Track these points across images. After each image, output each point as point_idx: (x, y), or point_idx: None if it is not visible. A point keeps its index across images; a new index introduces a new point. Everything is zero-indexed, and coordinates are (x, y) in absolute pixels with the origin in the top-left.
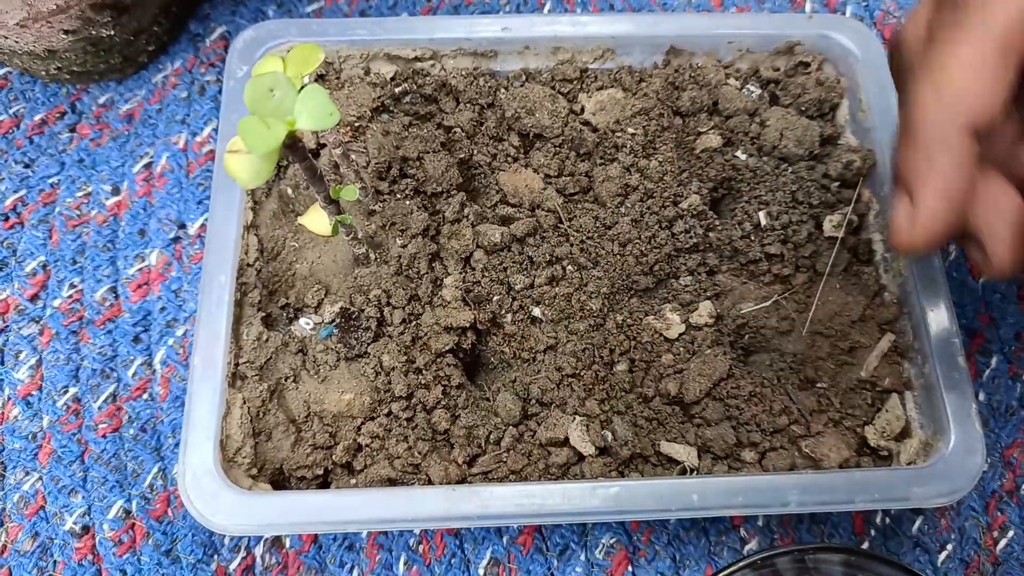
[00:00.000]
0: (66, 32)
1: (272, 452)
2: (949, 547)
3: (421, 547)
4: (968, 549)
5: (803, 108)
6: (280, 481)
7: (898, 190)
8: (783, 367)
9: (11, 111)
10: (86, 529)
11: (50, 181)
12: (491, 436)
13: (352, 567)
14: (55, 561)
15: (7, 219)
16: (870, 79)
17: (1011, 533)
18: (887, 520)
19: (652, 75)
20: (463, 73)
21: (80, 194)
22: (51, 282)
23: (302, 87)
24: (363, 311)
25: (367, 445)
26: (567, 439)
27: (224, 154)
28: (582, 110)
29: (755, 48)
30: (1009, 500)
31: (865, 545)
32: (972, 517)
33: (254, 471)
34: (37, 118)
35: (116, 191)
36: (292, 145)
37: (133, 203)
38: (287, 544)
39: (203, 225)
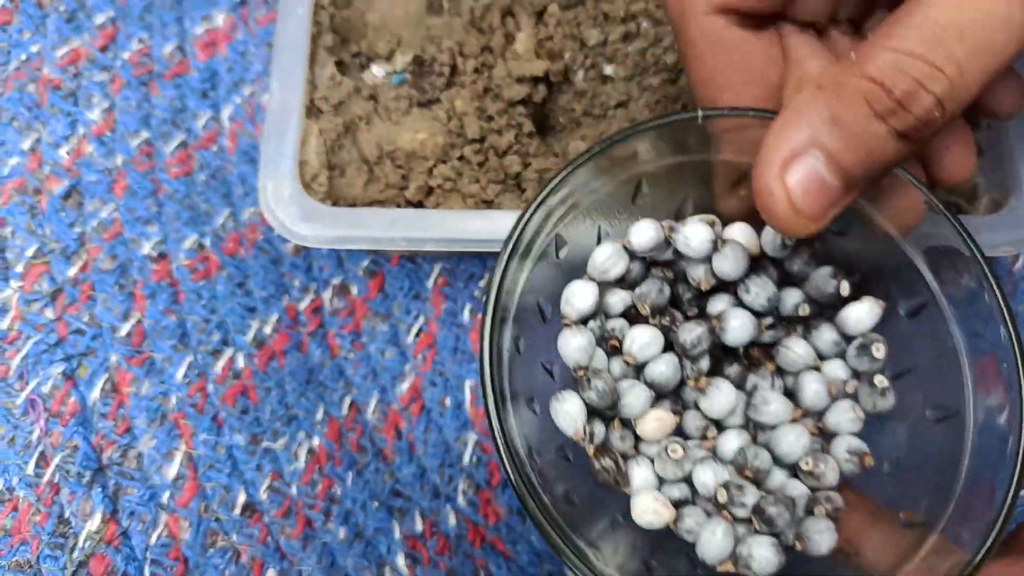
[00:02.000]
0: None
1: (345, 188)
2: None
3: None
4: None
5: None
6: None
7: None
8: None
9: None
10: (163, 256)
11: None
12: None
13: (418, 315)
14: (134, 280)
15: None
16: None
17: None
18: None
19: None
20: None
21: None
22: (120, 36)
23: None
24: (435, 59)
25: (439, 186)
26: None
27: None
28: None
29: None
30: None
31: None
32: None
33: (328, 202)
34: None
35: None
36: None
37: None
38: (354, 291)
39: None
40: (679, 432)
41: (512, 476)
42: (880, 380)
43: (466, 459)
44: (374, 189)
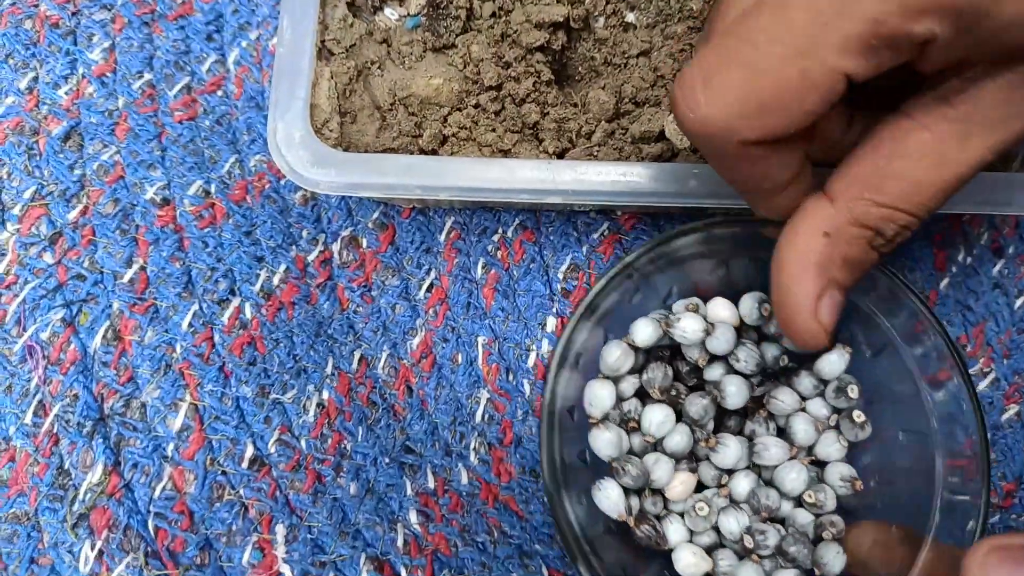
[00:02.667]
0: None
1: (357, 135)
2: None
3: (500, 252)
4: None
5: None
6: None
7: None
8: None
9: None
10: (166, 201)
11: None
12: (582, 130)
13: (429, 269)
14: (137, 225)
15: None
16: None
17: None
18: (968, 260)
19: None
20: None
21: None
22: None
23: None
24: (452, 2)
25: (454, 135)
26: (663, 132)
27: None
28: None
29: None
30: None
31: (944, 283)
32: None
33: (339, 149)
34: None
35: None
36: None
37: None
38: (364, 244)
39: None
40: (697, 484)
41: (573, 555)
42: (858, 415)
43: (478, 417)
44: (387, 137)
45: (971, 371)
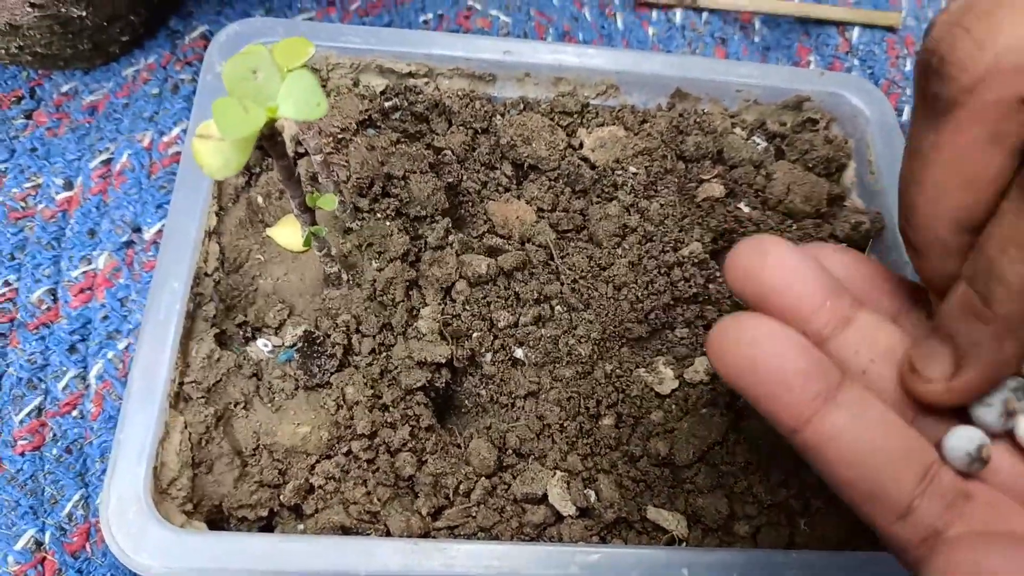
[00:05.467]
0: (32, 5)
1: (212, 487)
2: None
3: None
4: None
5: (810, 165)
6: (217, 521)
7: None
8: (782, 437)
9: None
10: None
11: None
12: (460, 487)
13: None
14: None
15: None
16: (880, 141)
17: None
18: None
19: (656, 116)
20: (459, 94)
21: (28, 185)
22: None
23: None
24: (329, 336)
25: (320, 487)
26: (545, 496)
27: (192, 139)
28: (580, 145)
29: (763, 99)
30: None
31: None
32: None
33: (189, 506)
34: None
35: (69, 186)
36: (271, 136)
37: (86, 200)
38: None
39: (160, 231)
40: None
41: None
42: None
43: None
44: (245, 488)
45: None
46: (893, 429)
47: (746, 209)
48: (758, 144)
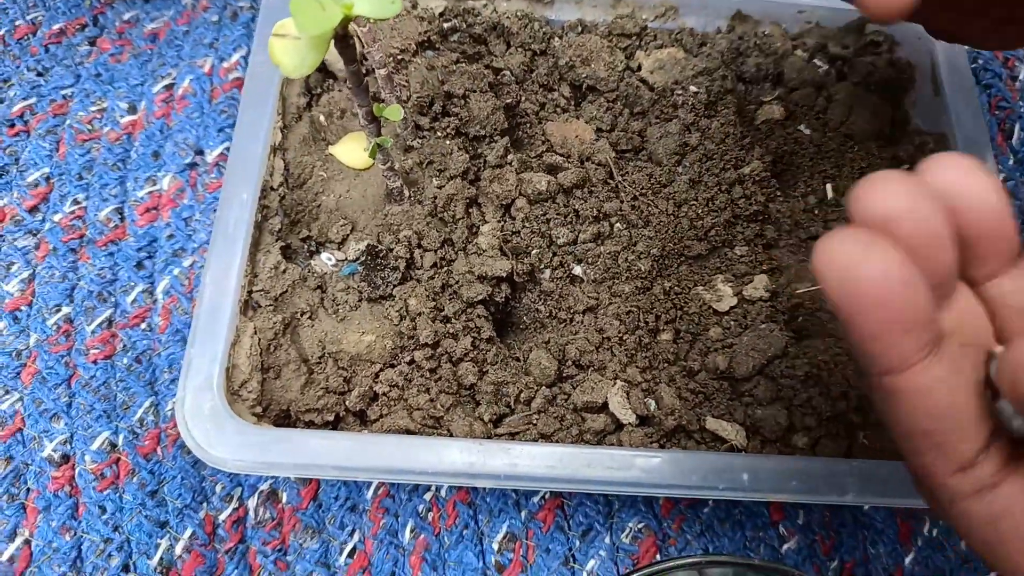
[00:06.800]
0: None
1: (280, 391)
2: None
3: (431, 515)
4: None
5: (872, 88)
6: (286, 424)
7: None
8: (840, 353)
9: (28, 17)
10: (66, 458)
11: (63, 92)
12: (521, 395)
13: (353, 530)
14: (28, 489)
15: (12, 126)
16: (945, 62)
17: None
18: (934, 532)
19: (715, 39)
20: (517, 15)
21: (94, 109)
22: (53, 195)
23: None
24: (391, 250)
25: (384, 394)
26: (605, 404)
27: (269, 38)
28: (639, 67)
29: (824, 22)
30: None
31: (910, 557)
32: None
33: (259, 409)
34: (56, 27)
35: (132, 110)
36: (344, 37)
37: (150, 124)
38: (284, 499)
39: (222, 153)
40: None
41: None
42: None
43: None
44: (312, 394)
45: None
46: (975, 389)
47: (806, 131)
48: (819, 67)
